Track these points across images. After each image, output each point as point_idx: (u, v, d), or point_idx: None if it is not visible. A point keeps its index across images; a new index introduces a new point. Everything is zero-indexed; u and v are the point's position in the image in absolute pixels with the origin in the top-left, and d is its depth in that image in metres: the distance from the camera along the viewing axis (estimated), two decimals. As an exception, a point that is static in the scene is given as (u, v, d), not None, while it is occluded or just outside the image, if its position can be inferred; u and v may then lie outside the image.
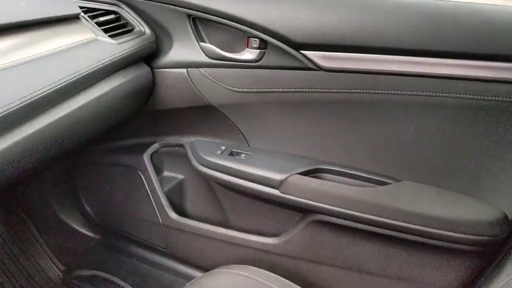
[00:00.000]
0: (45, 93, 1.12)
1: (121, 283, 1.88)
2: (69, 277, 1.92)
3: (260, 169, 1.47)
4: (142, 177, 1.76)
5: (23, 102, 1.07)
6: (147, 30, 1.51)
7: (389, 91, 1.33)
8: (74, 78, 1.21)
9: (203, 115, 1.62)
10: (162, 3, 1.49)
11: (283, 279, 1.30)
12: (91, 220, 1.96)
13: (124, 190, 1.83)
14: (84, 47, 1.28)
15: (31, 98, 1.08)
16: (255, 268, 1.35)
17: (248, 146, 1.62)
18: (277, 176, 1.44)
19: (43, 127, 1.14)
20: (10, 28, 1.15)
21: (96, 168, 1.87)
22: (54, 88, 1.15)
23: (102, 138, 1.72)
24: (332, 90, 1.40)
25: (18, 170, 1.28)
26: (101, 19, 1.42)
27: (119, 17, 1.50)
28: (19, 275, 1.87)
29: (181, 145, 1.71)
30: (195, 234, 1.71)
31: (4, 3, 1.19)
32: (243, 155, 1.56)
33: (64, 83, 1.18)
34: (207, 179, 1.64)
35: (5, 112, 1.02)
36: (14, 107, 1.04)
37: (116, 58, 1.34)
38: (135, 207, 1.82)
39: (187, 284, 1.31)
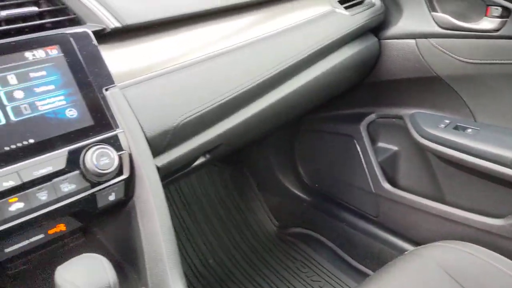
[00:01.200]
0: (289, 64, 1.24)
1: (331, 244, 1.99)
2: (283, 233, 2.11)
3: (491, 146, 1.39)
4: (357, 146, 1.81)
5: (273, 72, 1.20)
6: (377, 1, 1.54)
7: None
8: (314, 50, 1.31)
9: (426, 87, 1.59)
10: (394, -27, 1.49)
11: (510, 261, 1.23)
12: (305, 183, 2.11)
13: (338, 157, 1.92)
14: (322, 18, 1.36)
15: (277, 70, 1.21)
16: (478, 246, 1.30)
17: (475, 121, 1.54)
18: (510, 154, 1.34)
19: (281, 97, 1.26)
20: (249, 5, 1.26)
21: (313, 136, 1.99)
22: (297, 60, 1.26)
23: (322, 107, 1.82)
24: None
25: (253, 135, 1.46)
26: (336, -9, 1.48)
27: (350, -11, 1.55)
28: (242, 224, 2.13)
29: (400, 117, 1.71)
30: (408, 206, 1.71)
31: None
32: (470, 130, 1.49)
33: (305, 55, 1.28)
34: (427, 152, 1.62)
35: (259, 81, 1.16)
36: (265, 76, 1.18)
37: (350, 30, 1.40)
38: (348, 174, 1.89)
39: (406, 252, 1.33)
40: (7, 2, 0.91)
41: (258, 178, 2.19)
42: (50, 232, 0.85)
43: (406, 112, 1.69)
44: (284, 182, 2.13)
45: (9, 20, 0.90)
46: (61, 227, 0.86)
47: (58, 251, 1.03)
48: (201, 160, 1.19)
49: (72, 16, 0.96)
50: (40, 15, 0.94)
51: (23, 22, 0.93)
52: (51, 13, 0.96)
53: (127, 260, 0.97)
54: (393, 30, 1.55)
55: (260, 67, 1.15)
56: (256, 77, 1.14)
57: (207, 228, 2.08)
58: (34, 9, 0.91)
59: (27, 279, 0.98)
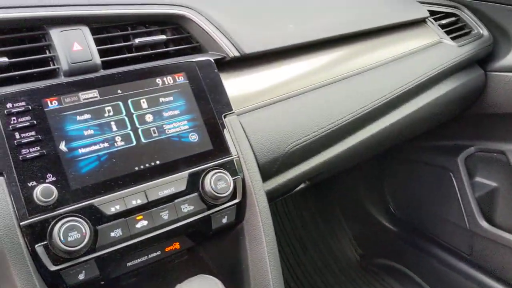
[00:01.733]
0: (395, 95, 1.23)
1: (418, 279, 1.91)
2: (367, 262, 2.06)
3: None
4: (453, 179, 1.74)
5: (379, 102, 1.19)
6: (485, 32, 1.49)
7: None
8: (420, 81, 1.28)
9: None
10: (505, 4, 1.43)
11: None
12: (393, 213, 2.05)
13: (431, 190, 1.85)
14: (429, 49, 1.34)
15: (383, 100, 1.20)
16: None
17: None
18: None
19: (385, 127, 1.25)
20: (358, 35, 1.25)
21: (405, 165, 1.94)
22: (403, 91, 1.25)
23: (418, 137, 1.77)
24: None
25: (353, 163, 1.44)
26: (443, 21, 1.45)
27: (458, 19, 1.51)
28: (324, 249, 2.11)
29: (502, 152, 1.62)
30: (507, 246, 1.61)
31: (346, 12, 1.31)
32: None
33: (411, 86, 1.26)
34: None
35: (366, 110, 1.15)
36: (372, 105, 1.17)
37: (457, 61, 1.36)
38: (441, 208, 1.82)
39: None
40: (139, 30, 0.98)
41: (343, 204, 2.16)
42: (167, 249, 0.89)
43: (509, 147, 1.61)
44: (371, 210, 2.09)
45: (138, 47, 0.97)
46: (176, 246, 0.90)
47: (163, 266, 1.07)
48: (301, 186, 1.20)
49: (195, 44, 1.01)
50: (165, 42, 1.01)
51: (151, 49, 0.99)
52: (175, 41, 1.02)
53: (230, 281, 0.99)
54: (501, 62, 1.48)
55: (367, 97, 1.15)
56: (363, 106, 1.14)
57: (288, 250, 2.08)
58: (163, 37, 0.98)
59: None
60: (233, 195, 0.90)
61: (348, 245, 2.14)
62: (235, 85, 1.01)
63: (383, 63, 1.23)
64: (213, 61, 0.96)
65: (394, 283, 1.96)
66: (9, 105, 0.76)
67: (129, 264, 0.85)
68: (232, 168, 0.91)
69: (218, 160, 0.90)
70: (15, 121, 0.75)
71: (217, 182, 0.87)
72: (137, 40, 0.95)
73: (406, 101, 1.28)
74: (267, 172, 0.99)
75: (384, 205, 2.08)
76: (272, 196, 1.08)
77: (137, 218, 0.81)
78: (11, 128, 0.75)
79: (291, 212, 2.14)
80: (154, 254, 0.88)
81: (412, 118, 1.33)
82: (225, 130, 0.92)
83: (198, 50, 1.03)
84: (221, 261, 1.02)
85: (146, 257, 0.87)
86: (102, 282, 0.83)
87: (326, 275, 2.04)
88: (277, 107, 1.03)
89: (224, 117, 0.93)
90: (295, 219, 2.13)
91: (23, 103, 0.77)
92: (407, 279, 1.94)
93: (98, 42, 0.90)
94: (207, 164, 0.89)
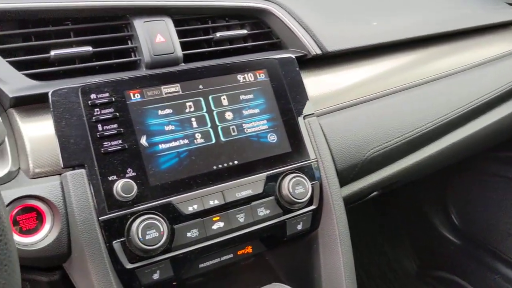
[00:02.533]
0: (480, 102, 1.15)
1: (482, 297, 1.81)
2: (425, 275, 1.97)
3: None
4: (526, 194, 1.63)
5: (462, 110, 1.11)
6: None
7: None
8: (508, 88, 1.19)
9: None
10: None
11: None
12: (456, 224, 1.95)
13: (498, 202, 1.74)
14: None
15: (466, 108, 1.12)
16: None
17: None
18: None
19: (467, 135, 1.16)
20: (436, 37, 1.17)
21: (471, 175, 1.83)
22: (489, 97, 1.16)
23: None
24: None
25: (430, 171, 1.36)
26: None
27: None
28: (381, 258, 2.03)
29: None
30: None
31: (431, 11, 1.23)
32: None
33: (498, 92, 1.18)
34: None
35: (449, 118, 1.08)
36: (455, 113, 1.09)
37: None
38: (507, 222, 1.71)
39: None
40: (220, 24, 0.95)
41: (403, 213, 2.08)
42: (239, 253, 0.86)
43: None
44: (433, 221, 1.99)
45: (218, 41, 0.94)
46: (249, 249, 0.87)
47: (229, 268, 1.04)
48: (373, 193, 1.14)
49: (276, 40, 0.97)
50: (244, 37, 0.97)
51: (230, 43, 0.96)
52: (254, 36, 0.98)
53: (298, 288, 0.95)
54: None
55: (454, 102, 1.08)
56: (449, 112, 1.07)
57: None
58: (243, 31, 0.94)
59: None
60: (309, 201, 0.86)
61: (406, 256, 2.05)
62: (315, 84, 0.96)
63: (469, 67, 1.15)
64: (295, 58, 0.92)
65: (454, 297, 1.86)
66: (93, 96, 0.74)
67: (201, 265, 0.82)
68: (310, 173, 0.86)
69: (297, 163, 0.85)
70: (98, 113, 0.74)
71: (295, 186, 0.82)
72: (218, 34, 0.92)
73: (492, 107, 1.20)
74: (344, 178, 0.94)
75: (447, 216, 1.97)
76: (345, 204, 1.03)
77: (214, 219, 0.78)
78: (94, 120, 0.73)
79: (348, 220, 2.07)
80: (226, 257, 0.84)
81: (496, 126, 1.24)
82: (304, 132, 0.88)
83: (277, 46, 0.99)
84: (291, 268, 0.98)
85: (218, 259, 0.83)
86: (174, 283, 0.80)
87: (380, 285, 1.96)
88: (359, 109, 0.97)
89: (304, 118, 0.89)
90: (352, 227, 2.06)
91: (107, 95, 0.75)
92: (468, 295, 1.84)
93: (179, 34, 0.87)
94: (285, 167, 0.84)
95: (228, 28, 0.96)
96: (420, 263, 2.04)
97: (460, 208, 1.95)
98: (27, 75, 0.76)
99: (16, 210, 0.69)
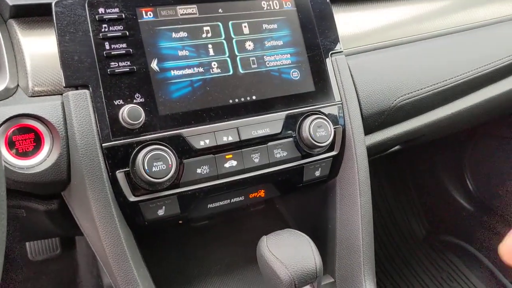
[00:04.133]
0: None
1: (488, 263, 1.77)
2: (433, 238, 1.93)
3: None
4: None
5: (498, 64, 1.02)
6: None
7: None
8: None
9: None
10: None
11: None
12: (470, 190, 1.89)
13: (516, 171, 1.67)
14: None
15: (502, 63, 1.03)
16: None
17: None
18: None
19: (501, 93, 1.08)
20: None
21: (492, 141, 1.75)
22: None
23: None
24: None
25: (456, 129, 1.28)
26: None
27: None
28: (388, 220, 1.98)
29: None
30: None
31: None
32: None
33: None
34: None
35: (483, 71, 1.00)
36: (490, 67, 1.01)
37: None
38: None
39: None
40: None
41: (415, 175, 2.01)
42: (251, 196, 0.80)
43: None
44: (446, 185, 1.93)
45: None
46: (261, 193, 0.81)
47: (238, 212, 0.99)
48: (396, 147, 1.07)
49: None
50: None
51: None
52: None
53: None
54: None
55: (490, 55, 0.99)
56: (485, 64, 0.98)
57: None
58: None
59: (207, 233, 0.96)
60: (330, 146, 0.79)
61: (415, 219, 2.00)
62: (345, 20, 0.87)
63: (503, 21, 1.05)
64: (325, -12, 0.83)
65: (459, 263, 1.82)
66: (101, 10, 0.66)
67: (210, 205, 0.76)
68: (333, 116, 0.79)
69: (320, 104, 0.78)
70: (106, 29, 0.66)
71: (317, 129, 0.75)
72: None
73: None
74: (369, 125, 0.87)
75: (462, 181, 1.91)
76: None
77: (227, 156, 0.72)
78: (101, 37, 0.66)
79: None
80: (237, 199, 0.79)
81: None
82: (330, 70, 0.80)
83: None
84: (303, 218, 0.93)
85: (228, 201, 0.78)
86: (180, 222, 0.75)
87: (388, 247, 1.92)
88: (390, 52, 0.89)
89: (331, 55, 0.81)
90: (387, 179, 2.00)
91: (116, 10, 0.67)
92: (475, 260, 1.80)
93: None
94: (307, 107, 0.77)
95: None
96: (429, 227, 2.00)
97: (477, 174, 1.89)
98: (29, -18, 0.68)
99: (12, 130, 0.63)
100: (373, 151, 0.95)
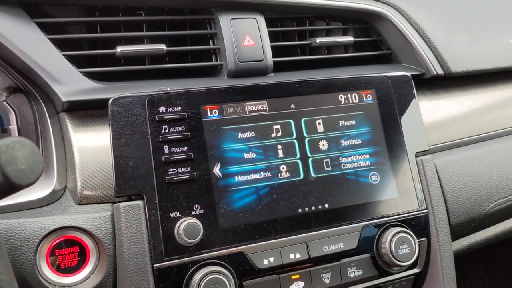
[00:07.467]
0: None
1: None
2: None
3: None
4: None
5: None
6: None
7: None
8: None
9: None
10: None
11: None
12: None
13: None
14: None
15: None
16: None
17: None
18: None
19: None
20: None
21: None
22: None
23: None
24: None
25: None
26: None
27: None
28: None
29: None
30: None
31: None
32: None
33: None
34: None
35: None
36: None
37: None
38: None
39: None
40: (319, 27, 0.77)
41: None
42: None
43: None
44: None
45: (316, 48, 0.76)
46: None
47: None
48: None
49: (386, 51, 0.79)
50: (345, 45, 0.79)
51: (328, 51, 0.78)
52: (358, 44, 0.80)
53: None
54: None
55: None
56: None
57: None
58: (349, 39, 0.76)
59: None
60: (413, 263, 0.68)
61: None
62: (429, 112, 0.77)
63: None
64: (411, 77, 0.73)
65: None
66: (162, 109, 0.59)
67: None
68: (418, 227, 0.68)
69: (403, 214, 0.67)
70: (167, 131, 0.59)
71: (399, 245, 0.64)
72: (318, 40, 0.74)
73: None
74: (455, 234, 0.74)
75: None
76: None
77: (293, 277, 0.62)
78: (160, 139, 0.58)
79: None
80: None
81: None
82: (415, 173, 0.69)
83: (386, 59, 0.80)
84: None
85: None
86: None
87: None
88: (483, 148, 0.77)
89: (416, 155, 0.70)
90: (459, 281, 1.79)
91: (179, 109, 0.60)
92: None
93: (270, 37, 0.70)
94: (388, 217, 0.66)
95: (328, 32, 0.78)
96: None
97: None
98: (86, 73, 0.62)
99: (56, 242, 0.56)
100: (458, 255, 0.82)
